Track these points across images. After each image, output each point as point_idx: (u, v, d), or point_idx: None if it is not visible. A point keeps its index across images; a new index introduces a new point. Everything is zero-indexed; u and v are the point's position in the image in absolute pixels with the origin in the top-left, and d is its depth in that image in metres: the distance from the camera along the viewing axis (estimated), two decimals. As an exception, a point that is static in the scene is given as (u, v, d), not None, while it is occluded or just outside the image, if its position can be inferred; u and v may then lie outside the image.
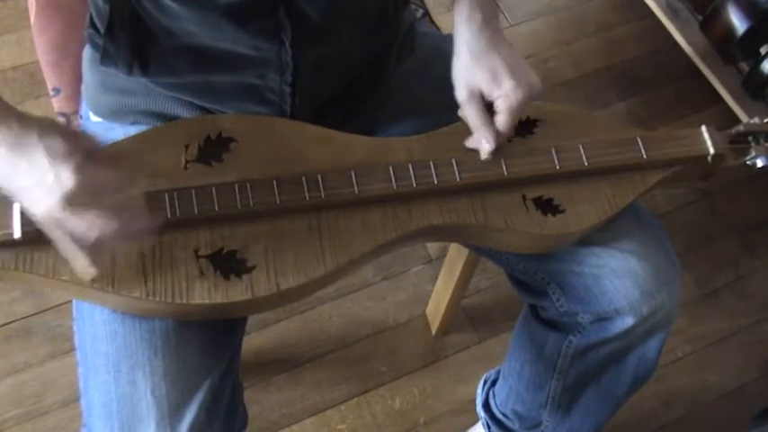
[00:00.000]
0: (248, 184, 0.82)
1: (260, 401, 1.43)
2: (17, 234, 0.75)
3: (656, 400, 1.51)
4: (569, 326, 1.00)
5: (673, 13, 1.76)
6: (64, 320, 1.45)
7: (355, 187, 0.84)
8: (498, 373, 1.22)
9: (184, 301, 0.77)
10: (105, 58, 0.85)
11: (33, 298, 1.47)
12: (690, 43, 1.72)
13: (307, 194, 0.82)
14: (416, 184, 0.85)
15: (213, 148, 0.84)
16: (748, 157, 0.97)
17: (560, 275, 0.96)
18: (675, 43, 1.76)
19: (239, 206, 0.81)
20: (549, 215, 0.88)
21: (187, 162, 0.83)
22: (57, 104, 1.10)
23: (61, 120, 1.09)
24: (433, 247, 1.61)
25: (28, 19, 1.13)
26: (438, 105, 0.98)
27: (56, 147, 0.66)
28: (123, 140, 0.85)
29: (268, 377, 1.46)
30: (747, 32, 1.62)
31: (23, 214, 0.76)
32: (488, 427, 1.25)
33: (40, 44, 1.11)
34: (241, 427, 0.94)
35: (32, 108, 1.65)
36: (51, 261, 0.76)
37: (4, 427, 1.37)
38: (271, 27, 0.82)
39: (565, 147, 0.90)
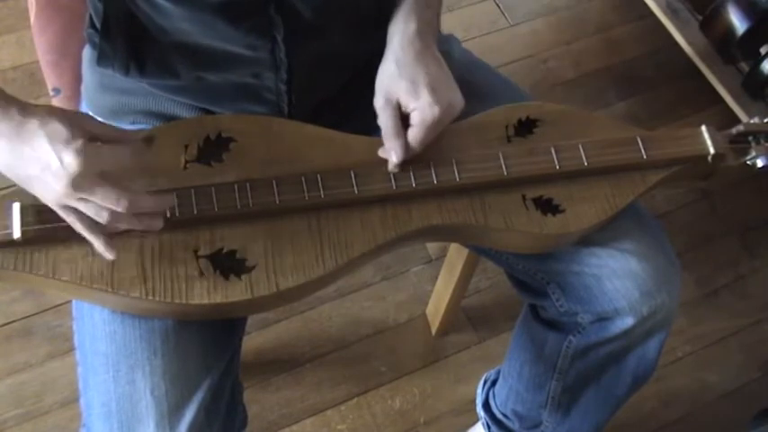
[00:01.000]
0: (248, 184, 0.82)
1: (260, 401, 1.43)
2: (17, 234, 0.76)
3: (656, 400, 1.51)
4: (569, 326, 1.00)
5: (673, 13, 1.76)
6: (64, 320, 1.45)
7: (355, 187, 0.84)
8: (498, 373, 1.22)
9: (184, 302, 0.77)
10: (102, 58, 0.86)
11: (33, 298, 1.47)
12: (690, 43, 1.72)
13: (306, 194, 0.82)
14: (416, 184, 0.85)
15: (213, 148, 0.84)
16: (748, 157, 0.97)
17: (560, 275, 0.96)
18: (675, 43, 1.76)
19: (239, 206, 0.81)
20: (549, 215, 0.88)
21: (187, 162, 0.83)
22: (57, 104, 1.10)
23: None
24: (433, 247, 1.61)
25: (28, 19, 1.13)
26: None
27: (57, 132, 0.67)
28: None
29: (268, 377, 1.46)
30: (747, 32, 1.62)
31: (23, 214, 0.76)
32: (488, 427, 1.25)
33: (40, 44, 1.11)
34: (241, 427, 0.94)
35: (32, 108, 1.65)
36: (51, 261, 0.77)
37: (4, 427, 1.37)
38: (262, 24, 0.82)
39: (565, 147, 0.90)
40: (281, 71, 0.86)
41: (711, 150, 0.94)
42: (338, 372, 1.48)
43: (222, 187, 0.81)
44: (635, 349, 0.99)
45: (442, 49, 1.04)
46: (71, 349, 1.39)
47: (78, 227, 0.73)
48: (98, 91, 0.95)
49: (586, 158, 0.90)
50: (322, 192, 0.83)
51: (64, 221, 0.74)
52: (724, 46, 1.67)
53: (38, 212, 0.76)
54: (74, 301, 0.90)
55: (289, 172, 0.84)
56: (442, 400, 1.47)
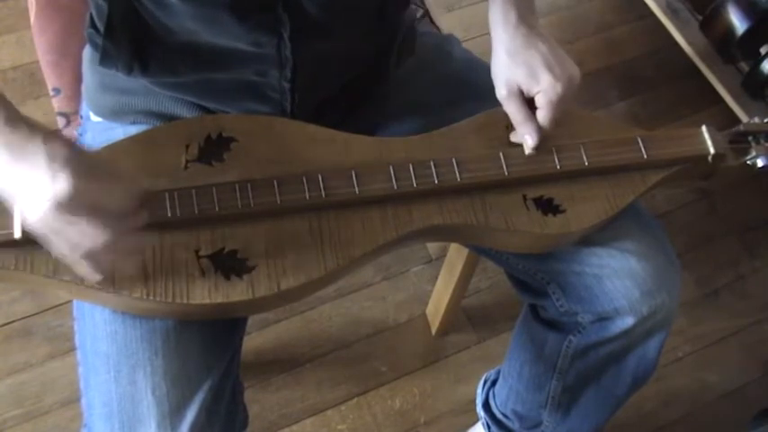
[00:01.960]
0: (249, 184, 0.82)
1: (260, 401, 1.43)
2: (17, 234, 0.75)
3: (656, 400, 1.51)
4: (569, 326, 1.00)
5: (673, 13, 1.77)
6: (64, 320, 1.45)
7: (356, 187, 0.84)
8: (498, 373, 1.22)
9: (185, 302, 0.77)
10: (105, 58, 0.86)
11: (33, 298, 1.47)
12: (690, 43, 1.72)
13: (307, 194, 0.82)
14: (417, 184, 0.85)
15: (214, 148, 0.84)
16: (748, 157, 0.97)
17: (560, 275, 0.96)
18: (675, 43, 1.76)
19: (240, 206, 0.81)
20: (550, 215, 0.88)
21: (188, 162, 0.83)
22: (57, 104, 1.10)
23: (61, 120, 1.09)
24: (433, 247, 1.61)
25: (28, 19, 1.13)
26: (438, 105, 0.98)
27: (57, 153, 0.66)
28: (123, 140, 0.85)
29: (268, 377, 1.46)
30: (747, 32, 1.62)
31: (24, 214, 0.76)
32: (488, 427, 1.25)
33: (40, 44, 1.12)
34: (241, 427, 0.94)
35: (32, 108, 1.65)
36: (52, 261, 0.76)
37: (4, 427, 1.37)
38: (269, 21, 0.82)
39: (565, 147, 0.90)
40: (285, 69, 0.86)
41: (711, 150, 0.94)
42: (338, 372, 1.48)
43: (223, 187, 0.81)
44: (635, 349, 0.99)
45: (443, 50, 1.05)
46: (71, 349, 1.39)
47: (56, 249, 0.70)
48: (98, 91, 0.95)
49: (587, 158, 0.90)
50: (323, 192, 0.83)
51: None
52: (724, 46, 1.67)
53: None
54: (74, 302, 0.90)
55: (290, 172, 0.83)
56: (441, 400, 1.48)
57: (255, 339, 1.48)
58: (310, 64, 0.87)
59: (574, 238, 0.92)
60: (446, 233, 0.91)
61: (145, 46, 0.84)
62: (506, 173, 0.88)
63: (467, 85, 1.01)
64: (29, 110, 1.63)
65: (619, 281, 0.93)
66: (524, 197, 0.88)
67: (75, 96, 1.07)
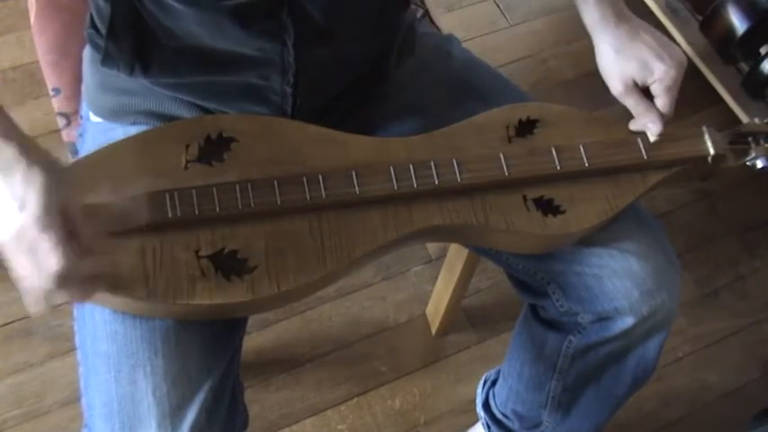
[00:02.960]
0: (249, 185, 0.82)
1: (260, 401, 1.43)
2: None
3: (656, 400, 1.51)
4: (569, 326, 1.00)
5: (672, 13, 1.76)
6: (64, 320, 1.45)
7: (356, 187, 0.84)
8: (498, 373, 1.22)
9: (185, 302, 0.77)
10: (107, 59, 0.85)
11: (33, 298, 1.46)
12: (689, 43, 1.72)
13: (308, 195, 0.82)
14: (417, 185, 0.85)
15: (214, 148, 0.84)
16: (748, 158, 0.97)
17: (560, 275, 0.96)
18: (675, 43, 1.76)
19: (240, 206, 0.81)
20: (550, 215, 0.88)
21: (188, 162, 0.83)
22: (57, 104, 1.10)
23: (61, 120, 1.09)
24: (432, 247, 1.61)
25: (28, 19, 1.13)
26: (438, 105, 0.98)
27: (36, 181, 0.66)
28: (124, 140, 0.85)
29: (268, 377, 1.46)
30: (747, 32, 1.62)
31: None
32: (488, 427, 1.25)
33: (40, 44, 1.11)
34: (242, 427, 0.94)
35: (32, 108, 1.65)
36: (52, 261, 0.76)
37: (4, 427, 1.37)
38: (274, 28, 0.82)
39: (565, 147, 0.90)
40: (287, 74, 0.86)
41: (711, 151, 0.94)
42: (338, 372, 1.48)
43: (223, 187, 0.81)
44: (635, 349, 0.99)
45: (443, 50, 1.05)
46: (71, 349, 1.39)
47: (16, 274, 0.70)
48: (98, 91, 0.95)
49: (587, 159, 0.90)
50: (323, 192, 0.83)
51: None
52: (724, 46, 1.67)
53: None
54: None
55: (290, 172, 0.83)
56: (441, 400, 1.47)
57: (255, 339, 1.48)
58: (313, 68, 0.87)
59: (574, 239, 0.92)
60: (446, 233, 0.91)
61: (147, 47, 0.84)
62: (507, 173, 0.88)
63: (467, 85, 1.01)
64: (29, 110, 1.64)
65: (619, 281, 0.93)
66: (524, 197, 0.88)
67: (75, 96, 1.07)
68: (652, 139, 0.93)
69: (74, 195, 0.69)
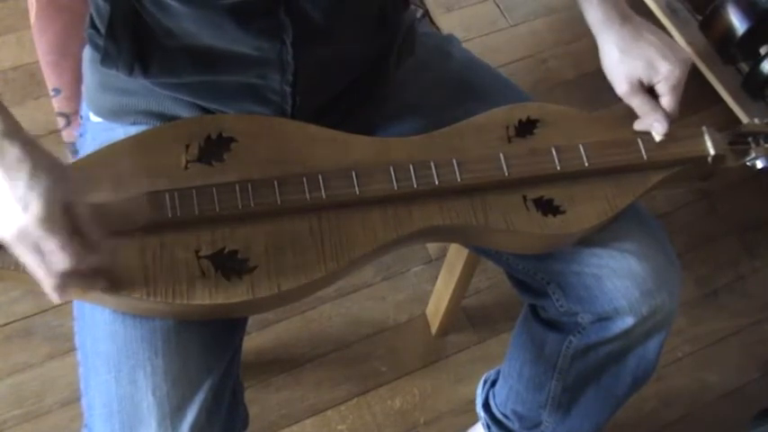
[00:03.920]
0: (249, 185, 0.82)
1: (260, 401, 1.43)
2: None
3: (656, 400, 1.51)
4: (569, 326, 1.00)
5: (672, 13, 1.76)
6: (64, 320, 1.45)
7: (356, 187, 0.84)
8: (498, 373, 1.22)
9: (185, 302, 0.77)
10: (106, 58, 0.85)
11: (33, 298, 1.47)
12: (689, 43, 1.72)
13: (307, 195, 0.82)
14: (417, 185, 0.85)
15: (214, 148, 0.84)
16: (748, 158, 0.97)
17: (560, 275, 0.96)
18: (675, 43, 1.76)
19: (240, 206, 0.81)
20: (550, 216, 0.88)
21: (188, 162, 0.83)
22: (57, 104, 1.10)
23: (61, 120, 1.09)
24: (432, 247, 1.61)
25: (28, 19, 1.13)
26: (438, 105, 0.98)
27: (40, 182, 0.66)
28: (124, 140, 0.85)
29: (268, 377, 1.46)
30: (747, 32, 1.62)
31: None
32: (488, 428, 1.25)
33: (40, 44, 1.11)
34: (242, 427, 0.94)
35: (32, 108, 1.65)
36: (52, 261, 0.76)
37: (4, 428, 1.37)
38: (272, 27, 0.82)
39: (565, 147, 0.90)
40: (286, 73, 0.86)
41: (711, 152, 0.94)
42: (338, 372, 1.48)
43: (223, 187, 0.81)
44: (635, 349, 0.99)
45: (443, 50, 1.05)
46: (71, 349, 1.39)
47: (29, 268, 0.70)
48: (98, 91, 0.95)
49: (587, 159, 0.90)
50: (323, 192, 0.83)
51: None
52: (724, 46, 1.67)
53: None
54: (75, 302, 0.90)
55: (290, 172, 0.83)
56: (441, 400, 1.48)
57: (255, 339, 1.48)
58: (312, 68, 0.87)
59: (574, 239, 0.92)
60: (446, 233, 0.91)
61: (146, 47, 0.84)
62: (506, 173, 0.88)
63: (467, 86, 1.01)
64: (29, 110, 1.64)
65: (619, 281, 0.93)
66: (524, 198, 0.88)
67: (75, 96, 1.07)
68: (657, 138, 0.92)
69: (77, 193, 0.69)
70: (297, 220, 0.82)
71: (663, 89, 0.91)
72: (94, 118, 0.97)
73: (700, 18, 1.71)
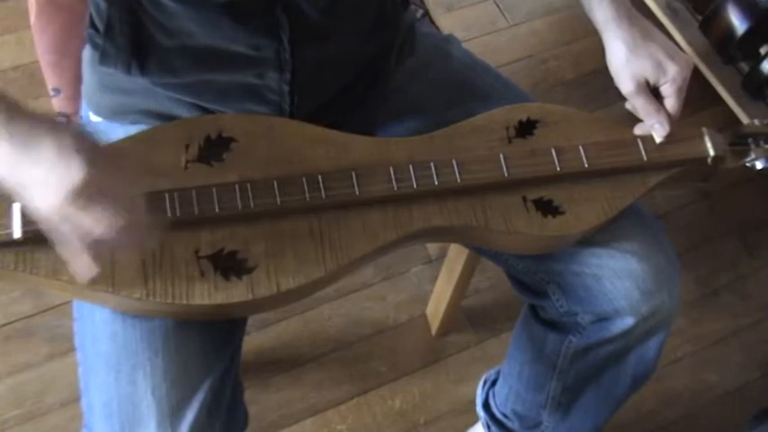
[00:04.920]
0: (249, 185, 0.82)
1: (260, 401, 1.43)
2: (17, 234, 0.75)
3: (656, 400, 1.51)
4: (569, 326, 1.00)
5: (672, 13, 1.76)
6: (64, 320, 1.45)
7: (356, 188, 0.84)
8: (498, 373, 1.22)
9: (185, 302, 0.77)
10: (104, 57, 0.86)
11: (33, 298, 1.47)
12: (689, 43, 1.72)
13: (307, 195, 0.82)
14: (417, 185, 0.85)
15: (213, 148, 0.84)
16: (748, 159, 0.97)
17: (560, 276, 0.96)
18: (675, 43, 1.76)
19: (240, 207, 0.81)
20: (550, 216, 0.88)
21: (187, 162, 0.83)
22: (57, 105, 1.10)
23: (61, 120, 1.09)
24: (432, 247, 1.61)
25: (28, 19, 1.13)
26: (438, 105, 0.98)
27: (66, 142, 0.65)
28: (123, 140, 0.85)
29: (268, 377, 1.46)
30: (747, 33, 1.62)
31: (24, 214, 0.76)
32: (488, 428, 1.25)
33: (40, 44, 1.11)
34: (242, 427, 0.94)
35: (32, 108, 1.64)
36: (51, 262, 0.76)
37: (4, 428, 1.37)
38: (269, 25, 0.82)
39: (565, 148, 0.90)
40: (284, 72, 0.86)
41: (711, 152, 0.94)
42: (338, 372, 1.48)
43: (223, 188, 0.81)
44: (635, 349, 1.00)
45: (443, 50, 1.05)
46: (71, 349, 1.39)
47: (64, 240, 0.69)
48: (98, 91, 0.95)
49: (587, 160, 0.90)
50: (323, 192, 0.83)
51: None
52: (724, 46, 1.67)
53: (39, 213, 0.76)
54: (74, 302, 0.90)
55: (290, 172, 0.83)
56: (442, 400, 1.48)
57: (255, 339, 1.48)
58: (310, 67, 0.87)
59: (573, 240, 0.92)
60: (446, 234, 0.91)
61: (143, 46, 0.84)
62: (506, 174, 0.88)
63: (467, 86, 1.01)
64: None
65: (619, 281, 0.93)
66: (524, 198, 0.88)
67: (75, 96, 1.07)
68: (658, 140, 0.92)
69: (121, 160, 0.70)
70: (296, 221, 0.82)
71: (668, 91, 0.91)
72: (94, 118, 0.97)
73: (700, 18, 1.71)
